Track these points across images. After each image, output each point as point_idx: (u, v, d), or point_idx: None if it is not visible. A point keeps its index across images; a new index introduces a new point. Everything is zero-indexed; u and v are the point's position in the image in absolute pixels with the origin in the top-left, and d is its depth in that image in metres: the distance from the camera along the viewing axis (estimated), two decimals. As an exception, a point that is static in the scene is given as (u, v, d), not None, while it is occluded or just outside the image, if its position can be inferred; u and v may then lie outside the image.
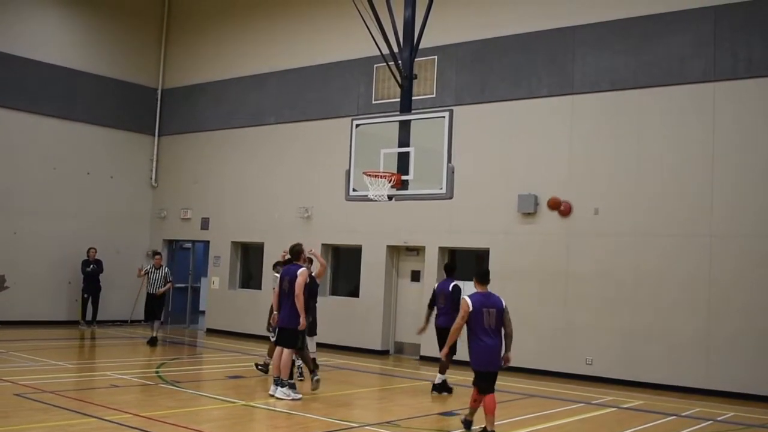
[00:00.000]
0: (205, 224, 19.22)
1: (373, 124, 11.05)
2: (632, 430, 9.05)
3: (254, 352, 14.38)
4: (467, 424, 8.15)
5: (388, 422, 8.74)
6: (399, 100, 11.03)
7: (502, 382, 9.61)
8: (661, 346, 12.36)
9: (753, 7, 12.12)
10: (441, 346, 10.98)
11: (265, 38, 18.53)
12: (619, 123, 13.13)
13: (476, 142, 14.28)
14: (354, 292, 16.33)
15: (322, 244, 16.57)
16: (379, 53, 11.19)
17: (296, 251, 10.38)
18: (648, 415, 9.95)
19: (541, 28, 14.14)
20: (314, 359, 12.84)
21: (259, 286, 17.70)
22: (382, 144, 10.35)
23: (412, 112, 10.71)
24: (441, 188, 9.80)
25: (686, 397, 11.61)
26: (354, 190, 10.58)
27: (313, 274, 10.94)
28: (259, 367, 11.94)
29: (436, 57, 15.20)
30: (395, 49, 10.92)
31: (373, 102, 16.09)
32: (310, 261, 11.21)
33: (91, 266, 18.27)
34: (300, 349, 10.35)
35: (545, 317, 13.37)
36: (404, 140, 10.25)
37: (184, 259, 20.31)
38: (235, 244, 18.65)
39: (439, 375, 10.89)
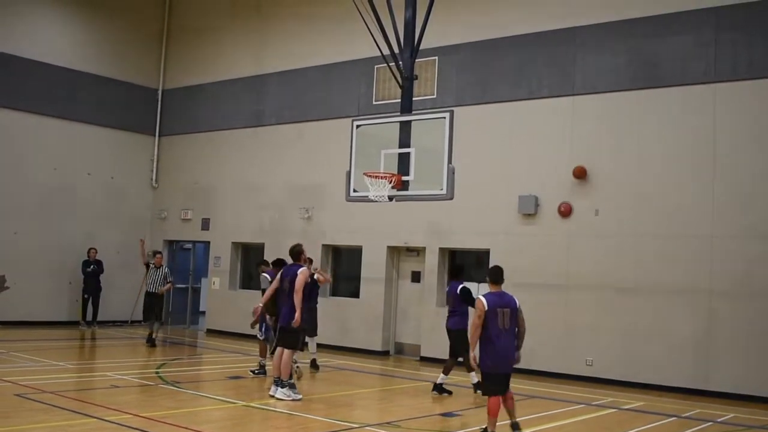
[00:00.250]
0: (205, 225, 19.22)
1: (374, 125, 11.05)
2: (633, 431, 9.05)
3: (254, 352, 14.35)
4: None
5: (388, 423, 8.74)
6: (399, 100, 11.03)
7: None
8: (661, 347, 12.35)
9: (753, 9, 12.12)
10: (452, 348, 10.98)
11: (265, 39, 18.52)
12: (620, 124, 13.14)
13: (477, 143, 14.28)
14: (354, 293, 16.33)
15: (323, 245, 16.58)
16: (379, 54, 11.20)
17: (296, 252, 10.38)
18: (648, 416, 9.95)
19: (541, 29, 14.15)
20: (314, 360, 12.87)
21: (259, 287, 17.66)
22: (382, 145, 10.35)
23: (413, 112, 10.72)
24: (441, 189, 9.80)
25: (686, 398, 11.61)
26: (354, 190, 10.58)
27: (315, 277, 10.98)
28: (256, 372, 11.87)
29: (436, 58, 15.20)
30: (396, 50, 10.93)
31: (374, 103, 16.09)
32: (311, 261, 11.23)
33: (92, 266, 18.27)
34: (300, 350, 10.36)
35: (545, 318, 13.36)
36: (405, 141, 10.26)
37: (185, 259, 20.32)
38: (235, 244, 18.65)
39: (442, 375, 10.87)
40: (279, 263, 11.37)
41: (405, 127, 10.34)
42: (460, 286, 11.07)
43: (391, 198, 10.31)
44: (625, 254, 12.79)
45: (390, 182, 10.03)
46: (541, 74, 14.11)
